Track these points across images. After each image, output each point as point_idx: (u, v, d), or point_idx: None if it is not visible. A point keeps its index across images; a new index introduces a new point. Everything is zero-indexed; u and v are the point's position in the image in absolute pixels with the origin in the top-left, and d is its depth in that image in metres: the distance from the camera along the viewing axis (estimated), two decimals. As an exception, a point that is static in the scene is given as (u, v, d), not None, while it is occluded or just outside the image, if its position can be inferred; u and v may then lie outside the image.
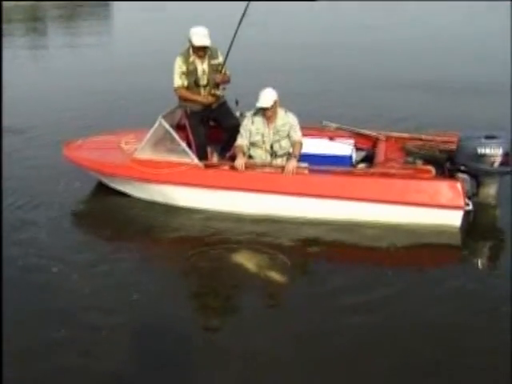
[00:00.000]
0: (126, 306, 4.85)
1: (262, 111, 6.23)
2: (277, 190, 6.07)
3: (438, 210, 5.75)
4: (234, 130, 6.71)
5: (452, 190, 5.70)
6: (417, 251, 5.64)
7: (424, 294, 4.89)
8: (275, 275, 5.19)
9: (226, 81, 6.74)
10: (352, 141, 7.06)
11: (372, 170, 6.07)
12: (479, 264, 5.49)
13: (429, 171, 5.87)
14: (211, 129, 7.01)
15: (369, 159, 6.98)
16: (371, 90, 12.18)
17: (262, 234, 5.91)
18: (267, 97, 6.11)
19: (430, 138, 6.79)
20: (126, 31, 27.34)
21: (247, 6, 6.25)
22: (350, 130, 7.20)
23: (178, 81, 6.53)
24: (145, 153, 6.51)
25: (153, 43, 19.83)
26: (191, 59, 6.50)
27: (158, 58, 15.44)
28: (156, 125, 6.42)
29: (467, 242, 5.74)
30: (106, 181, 6.99)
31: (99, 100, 12.06)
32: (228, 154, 6.90)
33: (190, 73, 6.50)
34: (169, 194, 6.47)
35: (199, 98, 6.60)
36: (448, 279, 5.10)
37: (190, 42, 6.45)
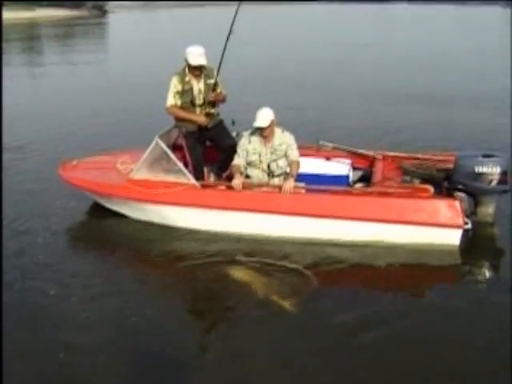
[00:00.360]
0: (124, 329, 4.79)
1: (259, 131, 6.22)
2: (275, 210, 6.03)
3: (437, 229, 5.73)
4: (231, 150, 6.71)
5: (451, 209, 5.68)
6: (416, 271, 5.62)
7: (424, 314, 4.85)
8: (276, 295, 5.13)
9: (221, 99, 6.74)
10: (349, 160, 7.04)
11: (370, 189, 6.04)
12: (479, 283, 5.44)
13: (427, 190, 5.85)
14: (207, 149, 6.99)
15: (366, 179, 6.96)
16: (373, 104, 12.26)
17: (260, 254, 5.85)
18: (264, 116, 6.10)
19: (426, 157, 6.78)
20: (122, 49, 27.63)
21: (236, 13, 6.32)
22: (347, 149, 7.18)
23: (172, 100, 6.52)
24: (141, 173, 6.47)
25: (148, 61, 20.03)
26: (187, 79, 6.49)
27: (154, 76, 15.60)
28: (152, 145, 6.40)
29: (466, 261, 5.70)
30: (101, 201, 6.96)
31: (95, 118, 12.11)
32: (225, 174, 6.87)
33: (186, 92, 6.49)
34: (166, 214, 6.43)
35: (193, 117, 6.57)
36: (448, 299, 5.06)
37: (186, 61, 6.45)
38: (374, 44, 22.90)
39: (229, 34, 6.42)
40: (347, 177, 6.76)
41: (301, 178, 6.39)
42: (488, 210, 6.14)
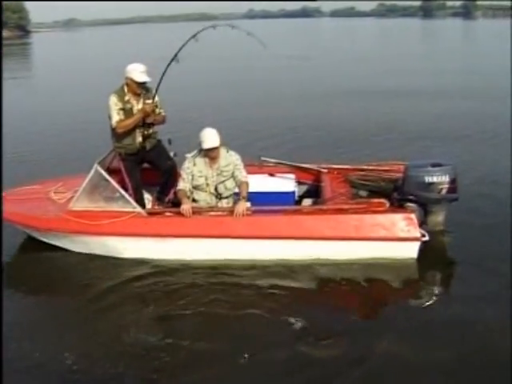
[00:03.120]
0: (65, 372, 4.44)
1: (205, 152, 5.95)
2: (229, 235, 5.79)
3: (395, 243, 5.68)
4: (171, 172, 6.47)
5: (407, 222, 5.65)
6: (375, 287, 5.50)
7: (390, 331, 4.76)
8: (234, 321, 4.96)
9: (160, 120, 6.44)
10: (292, 175, 6.93)
11: (325, 207, 5.91)
12: (438, 294, 5.42)
13: (382, 204, 5.78)
14: (144, 171, 6.68)
15: (312, 193, 6.87)
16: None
17: (215, 283, 5.59)
18: (212, 136, 5.85)
19: (371, 168, 6.76)
20: (46, 70, 26.92)
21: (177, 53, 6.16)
22: (290, 164, 7.06)
23: (116, 117, 6.10)
24: (81, 203, 6.05)
25: (73, 80, 19.56)
26: (126, 98, 6.15)
27: (78, 98, 15.18)
28: (92, 172, 6.01)
29: (424, 273, 5.68)
30: (37, 235, 6.45)
31: (16, 145, 11.36)
32: (167, 198, 6.57)
33: (127, 112, 6.13)
34: (111, 245, 6.04)
35: (140, 114, 6.16)
36: (411, 313, 5.03)
37: (129, 78, 6.11)
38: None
39: (172, 60, 6.18)
40: (294, 193, 6.64)
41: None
42: (438, 218, 6.15)
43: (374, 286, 5.50)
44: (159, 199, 6.62)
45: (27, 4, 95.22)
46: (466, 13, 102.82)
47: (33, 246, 6.53)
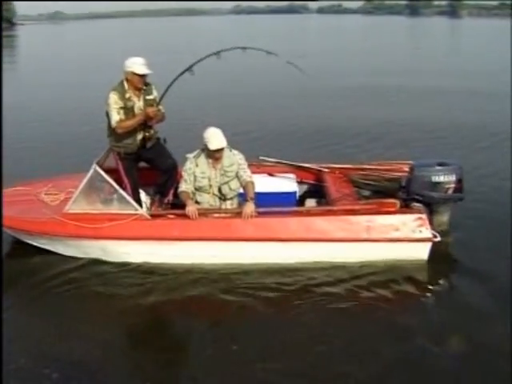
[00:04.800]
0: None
1: (209, 153, 5.72)
2: (237, 237, 5.59)
3: (406, 244, 5.59)
4: (172, 171, 6.21)
5: (419, 222, 5.56)
6: (387, 289, 5.37)
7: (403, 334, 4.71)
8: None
9: (160, 118, 6.15)
10: (292, 175, 6.77)
11: (336, 208, 5.76)
12: (450, 295, 5.36)
13: (394, 204, 5.68)
14: (141, 171, 6.39)
15: (312, 193, 6.74)
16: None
17: (223, 287, 5.40)
18: (218, 136, 5.63)
19: (372, 167, 6.67)
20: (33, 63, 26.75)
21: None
22: (289, 163, 6.91)
23: (116, 116, 5.77)
24: (79, 205, 5.74)
25: (60, 78, 19.21)
26: (127, 95, 5.83)
27: (62, 94, 14.73)
28: (90, 173, 5.71)
29: (434, 274, 5.60)
30: (28, 239, 6.09)
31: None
32: (166, 199, 6.31)
33: (128, 110, 5.83)
34: (111, 249, 5.76)
35: (141, 116, 5.86)
36: (424, 315, 5.00)
37: (130, 72, 5.79)
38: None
39: (186, 70, 5.94)
40: (295, 193, 6.49)
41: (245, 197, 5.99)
42: (443, 218, 6.10)
43: (386, 288, 5.37)
44: (158, 200, 6.33)
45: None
46: (452, 11, 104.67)
47: (21, 251, 6.18)
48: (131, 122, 5.85)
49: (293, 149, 9.86)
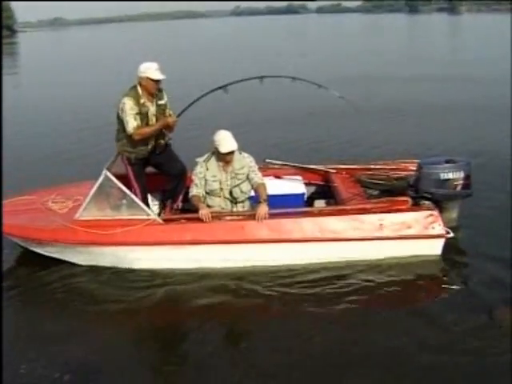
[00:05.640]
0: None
1: (220, 156, 5.70)
2: (253, 239, 5.57)
3: (420, 241, 5.63)
4: (182, 176, 6.18)
5: (432, 219, 5.60)
6: (405, 286, 5.40)
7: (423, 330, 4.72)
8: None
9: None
10: (299, 177, 6.78)
11: (349, 207, 5.77)
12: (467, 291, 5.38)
13: (406, 202, 5.72)
14: (147, 176, 6.32)
15: (320, 194, 6.75)
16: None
17: (239, 290, 5.38)
18: (229, 139, 5.62)
19: (378, 167, 6.70)
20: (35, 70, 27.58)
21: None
22: (295, 165, 6.91)
23: (133, 122, 5.70)
24: (90, 212, 5.67)
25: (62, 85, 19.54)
26: (142, 100, 5.78)
27: (63, 109, 14.56)
28: (101, 179, 5.64)
29: (447, 269, 5.64)
30: (37, 248, 5.99)
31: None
32: (175, 205, 6.27)
33: (142, 116, 5.78)
34: (122, 256, 5.70)
35: (160, 124, 5.87)
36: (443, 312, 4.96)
37: (145, 78, 5.74)
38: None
39: (219, 88, 6.13)
40: (303, 194, 6.50)
41: (253, 199, 5.99)
42: (452, 215, 6.15)
43: (402, 285, 5.40)
44: (168, 205, 6.28)
45: (11, 3, 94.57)
46: (451, 8, 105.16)
47: (29, 260, 6.10)
48: (149, 130, 5.83)
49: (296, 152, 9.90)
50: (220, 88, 6.11)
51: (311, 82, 6.41)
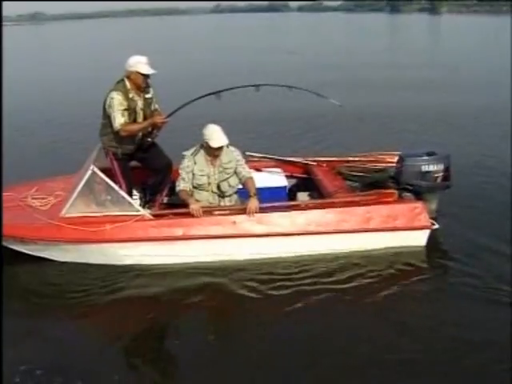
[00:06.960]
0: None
1: (209, 150, 5.67)
2: (244, 233, 5.58)
3: (406, 232, 5.77)
4: (167, 170, 6.13)
5: (417, 211, 5.75)
6: (391, 276, 5.53)
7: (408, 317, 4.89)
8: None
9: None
10: (279, 169, 6.81)
11: (336, 200, 5.85)
12: (449, 280, 5.57)
13: (392, 194, 5.85)
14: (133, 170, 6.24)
15: (301, 187, 6.80)
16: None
17: (231, 284, 5.40)
18: (219, 133, 5.58)
19: (357, 159, 6.81)
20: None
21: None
22: (275, 158, 6.94)
23: (121, 119, 5.59)
24: (76, 209, 5.53)
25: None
26: (131, 95, 5.68)
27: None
28: (88, 175, 5.50)
29: (431, 260, 5.81)
30: (19, 247, 5.79)
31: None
32: (161, 199, 6.19)
33: (131, 111, 5.68)
34: (111, 253, 5.60)
35: (148, 122, 5.77)
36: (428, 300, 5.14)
37: (134, 72, 5.63)
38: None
39: (213, 93, 6.10)
40: (286, 187, 6.54)
41: (244, 193, 5.99)
42: (432, 206, 6.30)
43: (389, 275, 5.52)
44: (153, 200, 6.19)
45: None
46: (432, 8, 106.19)
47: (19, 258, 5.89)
48: (137, 127, 5.75)
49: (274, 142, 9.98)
50: (213, 93, 6.09)
51: (310, 92, 6.53)
